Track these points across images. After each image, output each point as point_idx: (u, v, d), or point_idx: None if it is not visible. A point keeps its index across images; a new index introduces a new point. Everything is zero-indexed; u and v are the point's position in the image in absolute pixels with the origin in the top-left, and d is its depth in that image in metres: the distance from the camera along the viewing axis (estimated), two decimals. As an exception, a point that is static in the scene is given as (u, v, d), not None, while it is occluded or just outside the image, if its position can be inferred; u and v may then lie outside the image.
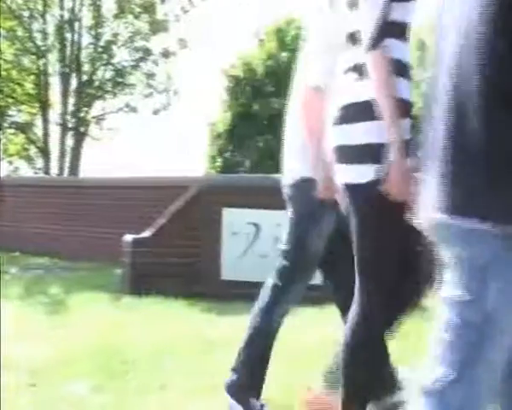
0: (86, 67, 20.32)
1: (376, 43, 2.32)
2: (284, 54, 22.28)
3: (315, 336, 5.17)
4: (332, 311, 6.35)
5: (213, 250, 8.00)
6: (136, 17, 20.43)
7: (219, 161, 22.60)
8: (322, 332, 5.30)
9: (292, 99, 3.51)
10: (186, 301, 6.99)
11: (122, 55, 20.98)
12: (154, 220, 8.36)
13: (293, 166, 3.25)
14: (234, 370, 3.34)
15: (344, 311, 3.02)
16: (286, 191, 3.33)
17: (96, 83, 20.47)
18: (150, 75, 21.17)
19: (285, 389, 3.77)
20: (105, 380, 3.89)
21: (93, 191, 11.81)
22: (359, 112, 2.39)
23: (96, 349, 4.54)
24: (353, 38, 2.45)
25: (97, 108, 21.37)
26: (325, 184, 2.86)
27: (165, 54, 20.90)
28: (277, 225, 7.67)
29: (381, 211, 2.33)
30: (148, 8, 20.12)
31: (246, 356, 3.32)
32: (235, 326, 5.71)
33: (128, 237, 8.08)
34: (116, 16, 20.26)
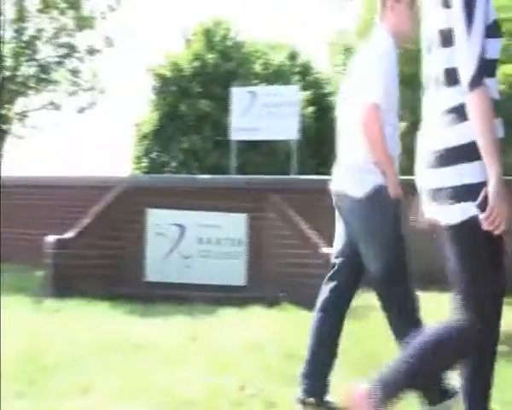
0: (9, 63, 19.79)
1: (478, 82, 2.33)
2: (212, 55, 22.29)
3: (235, 337, 5.22)
4: (252, 312, 6.47)
5: (137, 251, 7.95)
6: (62, 13, 20.00)
7: (145, 162, 22.40)
8: (242, 333, 5.36)
9: (343, 112, 3.65)
10: (110, 303, 6.91)
11: (46, 51, 20.52)
12: (78, 221, 8.24)
13: (362, 178, 3.37)
14: None
15: None
16: (352, 204, 3.42)
17: (19, 79, 19.96)
18: (75, 72, 20.79)
19: (206, 389, 3.81)
20: (25, 385, 3.82)
21: (14, 190, 11.52)
22: (461, 154, 2.39)
23: (17, 354, 4.45)
24: (449, 77, 2.45)
25: (20, 104, 20.85)
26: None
27: (91, 51, 20.56)
28: (202, 226, 7.72)
29: (482, 245, 2.41)
30: (74, 5, 19.74)
31: None
32: (160, 328, 5.73)
33: (50, 238, 7.93)
34: (40, 11, 19.80)
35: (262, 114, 11.73)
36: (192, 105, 21.31)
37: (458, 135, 2.40)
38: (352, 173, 3.45)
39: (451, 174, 2.41)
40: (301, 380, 3.57)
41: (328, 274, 3.66)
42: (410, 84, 17.20)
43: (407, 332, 2.88)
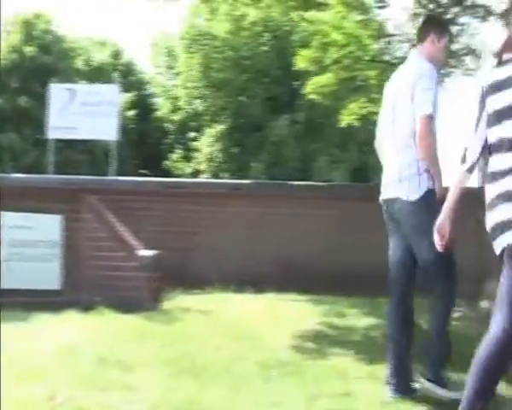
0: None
1: None
2: (30, 48, 21.36)
3: (48, 344, 5.05)
4: (67, 317, 6.29)
5: None
6: None
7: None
8: (55, 339, 5.20)
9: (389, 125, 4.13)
10: None
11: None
12: None
13: (416, 183, 3.88)
14: None
15: None
16: (406, 207, 3.91)
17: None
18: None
19: (12, 402, 3.63)
20: None
21: None
22: None
23: None
24: None
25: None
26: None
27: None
28: (14, 227, 7.39)
29: None
30: None
31: None
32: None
33: None
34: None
35: (81, 113, 11.43)
36: (9, 100, 20.29)
37: None
38: (407, 180, 3.91)
39: None
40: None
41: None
42: (225, 88, 17.59)
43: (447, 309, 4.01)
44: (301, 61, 10.34)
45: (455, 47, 10.79)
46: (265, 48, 17.35)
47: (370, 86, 10.71)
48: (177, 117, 22.16)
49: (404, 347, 4.06)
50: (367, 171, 17.37)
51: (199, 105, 19.80)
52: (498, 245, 3.02)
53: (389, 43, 10.75)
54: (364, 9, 11.27)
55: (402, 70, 4.26)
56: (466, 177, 3.30)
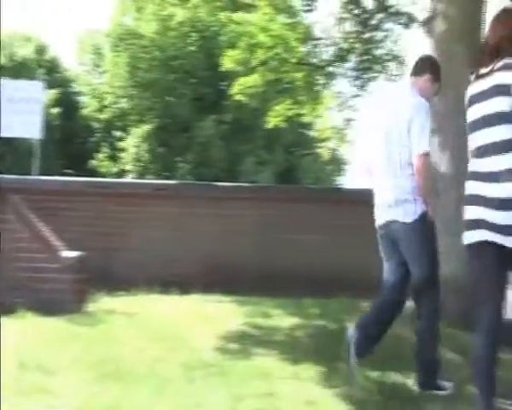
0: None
1: None
2: None
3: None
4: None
5: None
6: None
7: None
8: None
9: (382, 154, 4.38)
10: None
11: None
12: None
13: (412, 207, 4.23)
14: None
15: None
16: (401, 228, 4.27)
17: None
18: None
19: None
20: None
21: None
22: None
23: None
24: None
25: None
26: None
27: None
28: None
29: None
30: None
31: None
32: None
33: None
34: None
35: (3, 110, 11.11)
36: None
37: None
38: (403, 204, 4.25)
39: None
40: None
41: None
42: (152, 88, 17.45)
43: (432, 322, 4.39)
44: (228, 61, 10.37)
45: (379, 52, 11.04)
46: (193, 48, 17.29)
47: (297, 88, 10.84)
48: (103, 116, 21.84)
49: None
50: (293, 172, 17.54)
51: (125, 104, 19.57)
52: (468, 239, 3.42)
53: (316, 46, 10.89)
54: (292, 12, 11.42)
55: (395, 100, 4.54)
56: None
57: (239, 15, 11.41)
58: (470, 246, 3.41)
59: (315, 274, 8.09)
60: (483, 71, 3.41)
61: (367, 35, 10.50)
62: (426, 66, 4.56)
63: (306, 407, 3.80)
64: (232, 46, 10.96)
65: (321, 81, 11.06)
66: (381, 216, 4.43)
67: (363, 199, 9.05)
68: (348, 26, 10.55)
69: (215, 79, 15.79)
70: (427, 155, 4.22)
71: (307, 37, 10.69)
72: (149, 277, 7.89)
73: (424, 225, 4.24)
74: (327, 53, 10.81)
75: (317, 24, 11.01)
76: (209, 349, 4.97)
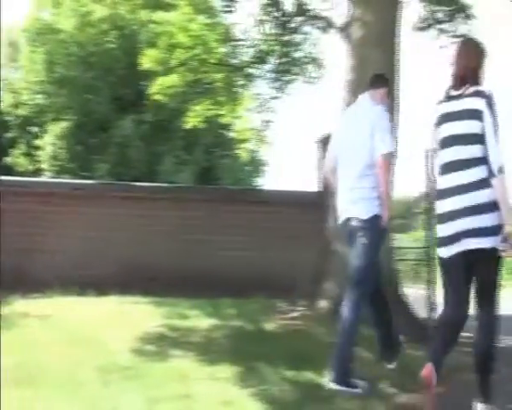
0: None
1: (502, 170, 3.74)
2: None
3: None
4: None
5: None
6: None
7: None
8: None
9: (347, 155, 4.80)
10: None
11: None
12: None
13: (369, 206, 4.61)
14: None
15: None
16: (357, 224, 4.60)
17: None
18: None
19: None
20: None
21: None
22: (489, 206, 3.72)
23: None
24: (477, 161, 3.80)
25: None
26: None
27: None
28: None
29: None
30: None
31: None
32: None
33: None
34: None
35: None
36: None
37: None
38: (362, 202, 4.63)
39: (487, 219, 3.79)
40: None
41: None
42: (70, 85, 17.12)
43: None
44: (147, 61, 10.27)
45: (297, 55, 11.19)
46: (112, 46, 17.02)
47: (216, 89, 10.84)
48: (19, 112, 21.23)
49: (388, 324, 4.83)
50: (212, 173, 17.53)
51: (42, 101, 19.10)
52: (451, 250, 3.83)
53: (235, 47, 10.93)
54: (211, 13, 11.42)
55: (356, 108, 5.03)
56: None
57: (159, 15, 11.33)
58: (449, 258, 3.87)
59: (233, 275, 8.13)
60: (453, 93, 3.93)
61: (286, 38, 10.62)
62: (382, 81, 5.09)
63: (223, 407, 3.82)
64: (151, 45, 10.86)
65: (240, 82, 11.11)
66: (343, 211, 4.80)
67: (282, 200, 9.23)
68: (268, 28, 10.64)
69: (134, 77, 15.57)
70: (389, 154, 4.66)
71: (227, 38, 10.71)
72: (66, 278, 7.75)
73: (376, 224, 4.61)
74: (246, 54, 10.88)
75: (236, 25, 11.06)
76: (126, 352, 4.92)
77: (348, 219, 4.73)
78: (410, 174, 8.96)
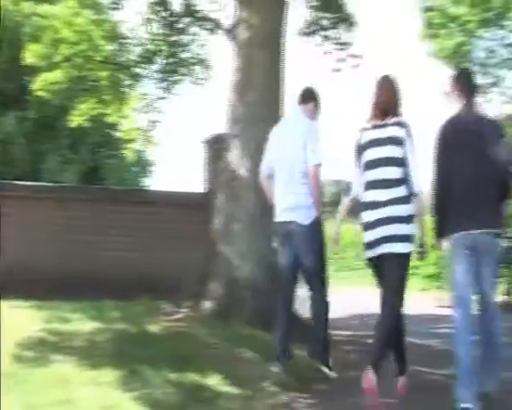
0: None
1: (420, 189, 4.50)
2: None
3: None
4: None
5: None
6: None
7: None
8: None
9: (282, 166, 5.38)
10: None
11: None
12: None
13: (308, 212, 5.22)
14: None
15: None
16: (298, 228, 5.21)
17: None
18: None
19: None
20: None
21: None
22: (406, 218, 4.47)
23: None
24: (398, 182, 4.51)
25: None
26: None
27: None
28: None
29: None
30: None
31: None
32: None
33: None
34: None
35: None
36: None
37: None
38: (301, 209, 5.21)
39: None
40: None
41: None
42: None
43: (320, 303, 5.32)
44: (30, 55, 9.97)
45: (185, 55, 11.18)
46: (-7, 38, 16.38)
47: (102, 87, 10.67)
48: None
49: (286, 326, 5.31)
50: (98, 173, 17.23)
51: None
52: (375, 252, 4.49)
53: (122, 45, 10.80)
54: (98, 8, 11.19)
55: (289, 122, 5.61)
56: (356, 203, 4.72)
57: (43, 7, 10.99)
58: (376, 258, 4.52)
59: (118, 276, 8.02)
60: (377, 123, 4.58)
61: (174, 38, 10.59)
62: (311, 96, 5.59)
63: (103, 411, 3.77)
64: (35, 39, 10.52)
65: (127, 81, 10.98)
66: (281, 216, 5.35)
67: (168, 201, 9.19)
68: (155, 28, 10.57)
69: (17, 72, 15.05)
70: (320, 165, 5.27)
71: (113, 35, 10.57)
72: None
73: (317, 228, 5.29)
74: (133, 53, 10.77)
75: (123, 23, 10.94)
76: (4, 358, 4.75)
77: (286, 222, 5.29)
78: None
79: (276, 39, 7.36)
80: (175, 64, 10.96)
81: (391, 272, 4.44)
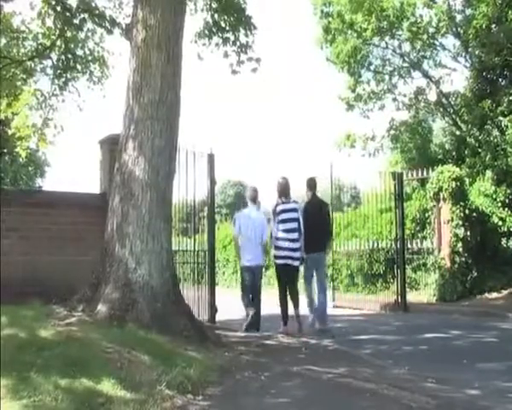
0: None
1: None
2: None
3: None
4: None
5: None
6: None
7: None
8: None
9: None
10: None
11: None
12: None
13: (261, 259, 9.81)
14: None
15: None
16: (258, 266, 9.73)
17: None
18: None
19: None
20: None
21: None
22: (298, 248, 9.28)
23: None
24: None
25: None
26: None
27: None
28: None
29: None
30: None
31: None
32: None
33: None
34: None
35: None
36: None
37: None
38: (260, 257, 9.54)
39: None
40: None
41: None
42: None
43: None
44: None
45: (80, 52, 10.93)
46: None
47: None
48: None
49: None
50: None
51: None
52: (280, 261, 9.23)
53: (14, 38, 10.47)
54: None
55: (252, 210, 9.72)
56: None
57: None
58: (282, 265, 9.07)
59: (8, 280, 7.68)
60: (284, 200, 9.05)
61: (69, 33, 10.33)
62: (255, 195, 9.73)
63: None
64: None
65: (19, 76, 10.63)
66: (251, 259, 9.33)
67: (63, 202, 8.91)
68: (50, 22, 10.28)
69: None
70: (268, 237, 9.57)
71: (5, 27, 10.20)
72: None
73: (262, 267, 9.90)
74: (26, 47, 10.44)
75: (16, 15, 10.58)
76: None
77: (254, 265, 9.37)
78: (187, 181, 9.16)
79: (174, 41, 7.29)
80: (70, 60, 10.68)
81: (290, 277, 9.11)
